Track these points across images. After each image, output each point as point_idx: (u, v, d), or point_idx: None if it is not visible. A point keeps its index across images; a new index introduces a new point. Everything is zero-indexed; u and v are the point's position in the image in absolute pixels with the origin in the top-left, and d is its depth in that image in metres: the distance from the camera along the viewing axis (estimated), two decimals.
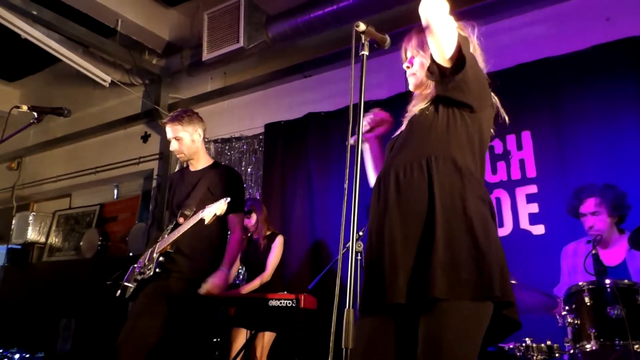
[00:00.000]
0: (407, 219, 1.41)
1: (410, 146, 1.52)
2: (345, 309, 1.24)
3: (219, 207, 2.30)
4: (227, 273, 2.55)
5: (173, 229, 2.57)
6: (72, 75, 5.34)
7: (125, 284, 2.61)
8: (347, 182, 1.38)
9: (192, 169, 2.84)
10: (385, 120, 1.76)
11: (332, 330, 1.22)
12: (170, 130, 2.75)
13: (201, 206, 2.45)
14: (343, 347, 1.22)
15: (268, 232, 3.73)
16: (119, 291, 2.64)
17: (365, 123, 1.71)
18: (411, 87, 1.69)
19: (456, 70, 1.47)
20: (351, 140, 1.42)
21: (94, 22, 4.84)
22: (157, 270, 2.46)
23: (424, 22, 1.49)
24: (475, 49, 1.66)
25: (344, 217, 1.31)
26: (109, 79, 4.77)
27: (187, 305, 2.49)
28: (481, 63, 1.66)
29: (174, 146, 2.75)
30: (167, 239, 2.52)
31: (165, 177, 5.24)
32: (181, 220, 2.56)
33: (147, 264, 2.58)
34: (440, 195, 1.40)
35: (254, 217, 3.69)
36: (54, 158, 6.64)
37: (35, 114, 2.30)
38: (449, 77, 1.48)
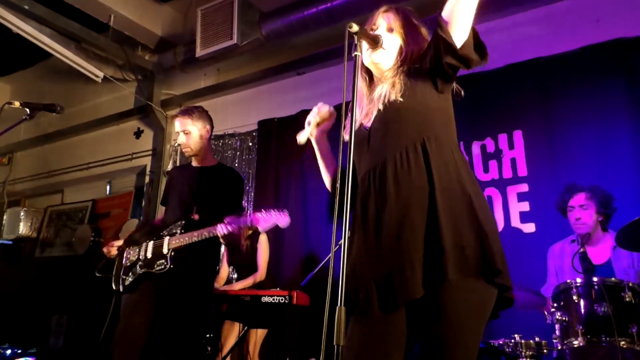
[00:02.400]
0: (409, 209, 1.38)
1: (397, 133, 1.48)
2: (337, 307, 1.25)
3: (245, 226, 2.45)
4: None
5: (186, 226, 2.56)
6: (65, 70, 5.30)
7: (123, 276, 2.59)
8: (339, 180, 1.38)
9: (196, 164, 2.84)
10: (331, 114, 1.67)
11: (324, 327, 1.23)
12: (179, 124, 2.78)
13: (210, 207, 2.53)
14: (335, 344, 1.24)
15: (249, 232, 3.74)
16: (119, 285, 2.60)
17: (311, 119, 1.65)
18: (379, 62, 1.59)
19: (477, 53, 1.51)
20: (346, 137, 1.40)
21: (87, 17, 4.81)
22: (172, 266, 2.47)
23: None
24: None
25: (335, 215, 1.31)
26: (101, 74, 4.75)
27: (186, 304, 2.51)
28: None
29: (181, 139, 2.77)
30: (183, 237, 2.50)
31: (158, 174, 5.24)
32: (196, 217, 2.59)
33: (149, 257, 2.55)
34: (439, 177, 1.39)
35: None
36: (46, 153, 6.60)
37: (27, 110, 2.29)
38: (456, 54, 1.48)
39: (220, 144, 4.98)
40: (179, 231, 2.55)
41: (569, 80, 3.37)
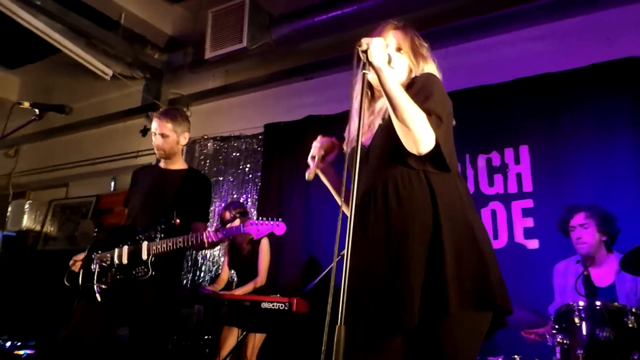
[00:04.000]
0: (412, 232, 1.37)
1: (397, 153, 1.45)
2: (337, 326, 1.24)
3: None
4: None
5: (165, 231, 2.49)
6: (73, 65, 5.31)
7: (97, 283, 2.47)
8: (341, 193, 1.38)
9: (165, 166, 2.78)
10: (335, 145, 1.68)
11: (322, 349, 1.22)
12: (158, 126, 2.71)
13: (178, 211, 2.49)
14: None
15: (251, 236, 3.72)
16: (93, 293, 2.46)
17: (315, 154, 1.64)
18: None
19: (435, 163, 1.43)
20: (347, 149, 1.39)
21: (98, 14, 4.82)
22: (153, 273, 2.41)
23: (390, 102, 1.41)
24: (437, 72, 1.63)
25: (339, 226, 1.27)
26: (110, 72, 4.76)
27: (166, 310, 2.51)
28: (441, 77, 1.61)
29: (157, 141, 2.71)
30: (165, 243, 2.43)
31: None
32: (178, 222, 2.52)
33: (124, 263, 2.45)
34: (442, 202, 1.38)
35: (237, 222, 3.68)
36: (52, 147, 6.62)
37: (36, 110, 2.30)
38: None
39: (226, 145, 4.99)
40: (158, 236, 2.47)
41: (577, 98, 3.36)
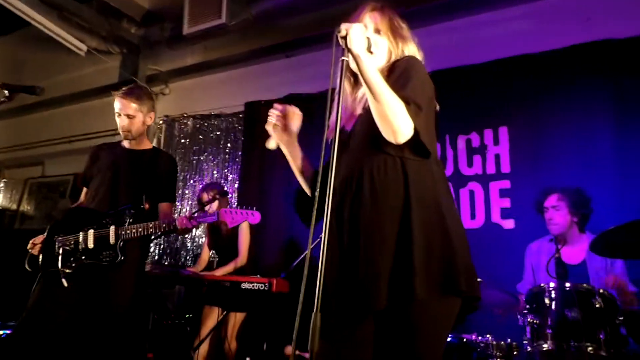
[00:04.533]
0: (383, 218, 1.39)
1: (376, 140, 1.44)
2: (313, 313, 1.25)
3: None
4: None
5: (134, 215, 2.43)
6: (46, 39, 5.13)
7: (65, 270, 2.39)
8: (319, 179, 1.38)
9: (130, 147, 2.69)
10: (294, 113, 1.64)
11: (293, 336, 1.22)
12: (122, 105, 2.60)
13: (143, 192, 2.46)
14: (309, 349, 1.24)
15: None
16: (57, 276, 2.39)
17: (272, 120, 1.62)
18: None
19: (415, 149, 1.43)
20: (330, 135, 1.38)
21: None
22: (122, 257, 2.36)
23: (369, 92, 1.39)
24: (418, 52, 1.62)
25: (314, 213, 1.25)
26: (85, 48, 4.62)
27: (134, 294, 2.48)
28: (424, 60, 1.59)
29: (123, 122, 2.60)
30: (136, 228, 2.38)
31: None
32: (147, 206, 2.50)
33: (90, 247, 2.39)
34: (415, 189, 1.39)
35: (215, 204, 3.68)
36: (26, 125, 6.45)
37: (6, 92, 2.22)
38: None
39: (206, 124, 4.92)
40: (128, 221, 2.40)
41: (556, 79, 3.38)
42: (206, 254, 3.93)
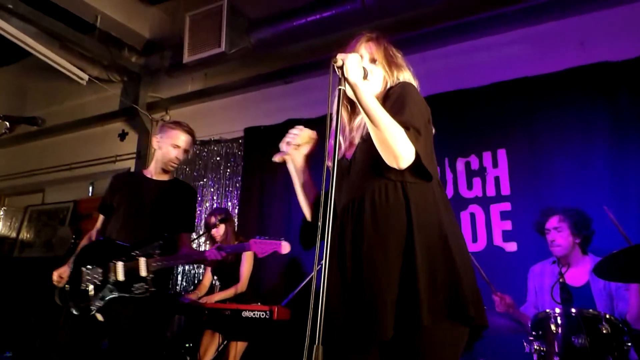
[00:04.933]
0: (386, 244, 1.37)
1: (376, 167, 1.45)
2: (315, 346, 1.23)
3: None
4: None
5: (162, 247, 2.45)
6: (48, 68, 5.20)
7: (96, 304, 2.40)
8: (322, 205, 1.37)
9: (155, 177, 2.73)
10: (312, 138, 1.65)
11: None
12: (188, 140, 2.74)
13: (169, 223, 2.50)
14: None
15: (236, 242, 3.72)
16: (86, 310, 2.39)
17: (291, 141, 1.62)
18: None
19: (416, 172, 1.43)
20: (328, 163, 1.36)
21: (72, 17, 4.72)
22: (155, 289, 2.38)
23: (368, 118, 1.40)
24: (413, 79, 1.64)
25: (319, 236, 1.25)
26: (86, 77, 4.67)
27: (161, 324, 2.53)
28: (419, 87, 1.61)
29: (179, 155, 2.71)
30: (166, 260, 2.41)
31: None
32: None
33: (120, 279, 2.39)
34: (417, 215, 1.38)
35: (222, 227, 3.67)
36: (27, 152, 6.48)
37: (7, 123, 2.24)
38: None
39: (206, 150, 4.94)
40: (157, 252, 2.42)
41: (553, 102, 3.40)
42: (208, 280, 3.89)
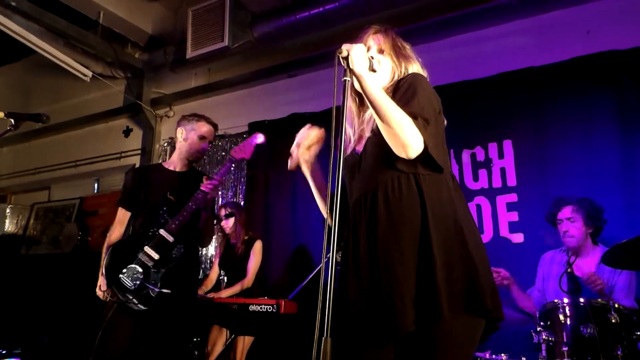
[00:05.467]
0: (401, 237, 1.36)
1: (388, 160, 1.43)
2: (323, 338, 1.23)
3: None
4: None
5: (169, 211, 2.56)
6: (52, 65, 5.20)
7: (154, 289, 2.43)
8: (327, 202, 1.36)
9: (179, 169, 2.77)
10: (319, 137, 1.65)
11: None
12: (211, 132, 2.82)
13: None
14: None
15: (246, 237, 3.73)
16: (141, 304, 2.43)
17: (300, 142, 1.63)
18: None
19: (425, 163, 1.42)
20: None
21: (75, 14, 4.72)
22: (183, 249, 2.54)
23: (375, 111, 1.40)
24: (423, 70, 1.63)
25: (326, 230, 1.24)
26: (90, 73, 4.67)
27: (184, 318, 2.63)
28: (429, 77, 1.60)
29: (205, 147, 2.79)
30: (182, 218, 2.52)
31: None
32: (173, 198, 2.59)
33: (156, 258, 2.46)
34: (432, 207, 1.37)
35: (231, 220, 3.68)
36: (32, 149, 6.51)
37: (12, 120, 2.23)
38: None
39: (210, 145, 4.92)
40: (168, 219, 2.52)
41: (559, 91, 3.37)
42: (215, 274, 3.91)
